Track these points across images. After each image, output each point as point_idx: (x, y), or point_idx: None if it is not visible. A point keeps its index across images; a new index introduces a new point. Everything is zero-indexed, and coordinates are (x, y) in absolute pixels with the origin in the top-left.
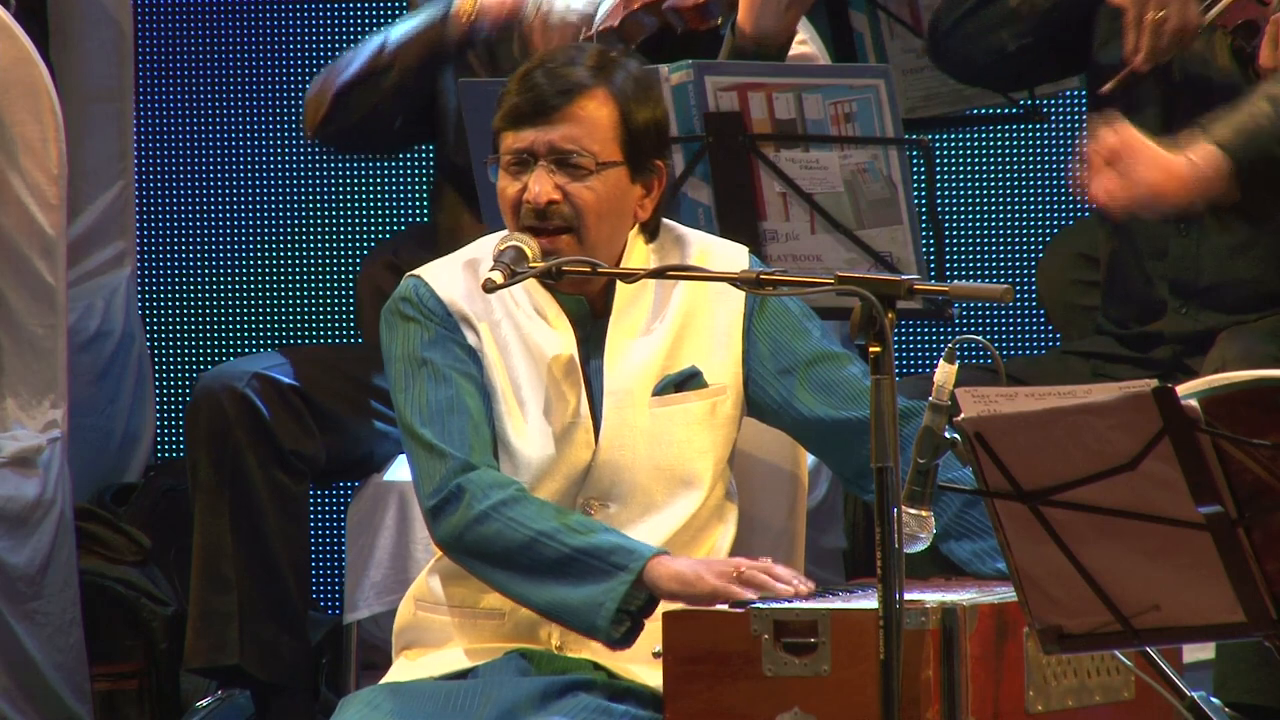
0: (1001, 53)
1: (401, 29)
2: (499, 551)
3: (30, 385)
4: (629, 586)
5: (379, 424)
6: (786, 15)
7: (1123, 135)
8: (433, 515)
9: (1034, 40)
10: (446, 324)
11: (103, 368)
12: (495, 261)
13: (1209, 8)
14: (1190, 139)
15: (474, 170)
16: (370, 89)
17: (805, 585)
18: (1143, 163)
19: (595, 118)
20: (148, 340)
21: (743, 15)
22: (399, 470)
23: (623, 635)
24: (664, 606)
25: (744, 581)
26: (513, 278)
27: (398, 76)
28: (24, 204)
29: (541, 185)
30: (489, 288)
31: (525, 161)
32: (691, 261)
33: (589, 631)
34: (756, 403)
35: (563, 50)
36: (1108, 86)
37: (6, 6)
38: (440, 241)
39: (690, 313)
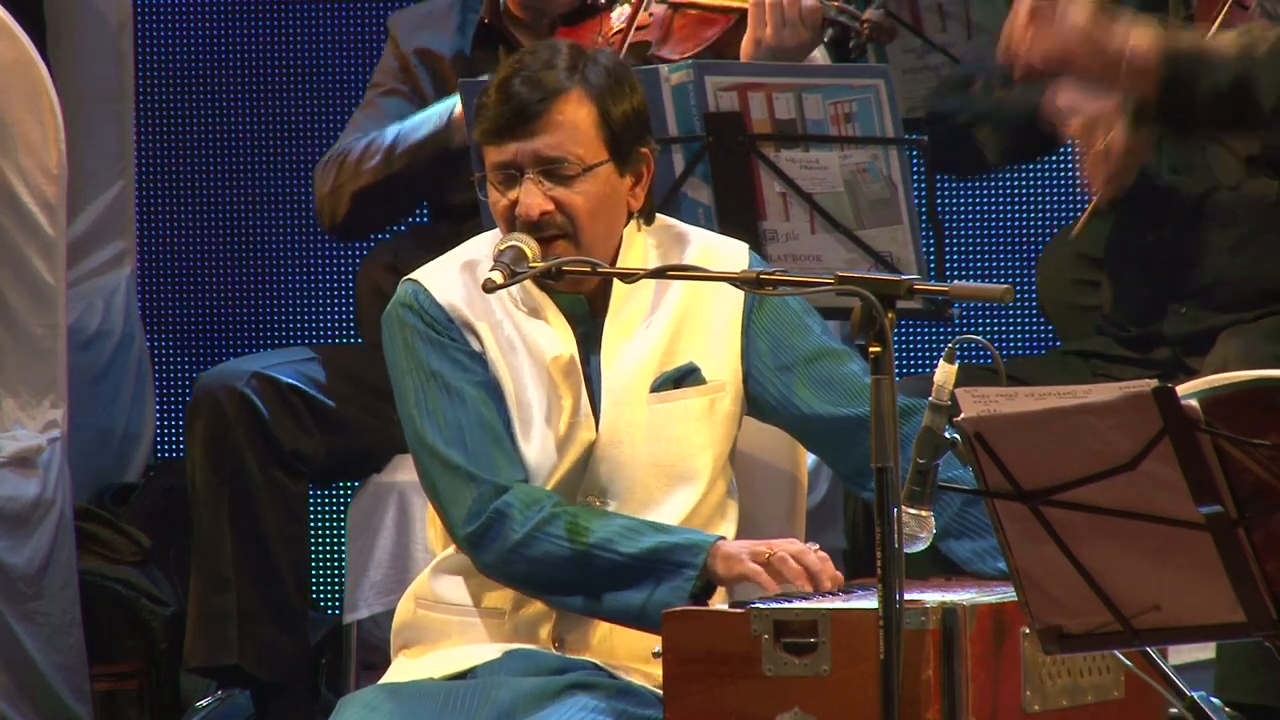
0: (987, 164)
1: (409, 132)
2: (552, 570)
3: (30, 385)
4: (692, 583)
5: (378, 424)
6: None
7: None
8: (472, 544)
9: (1012, 153)
10: (449, 331)
11: (103, 368)
12: (495, 261)
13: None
14: (1141, 28)
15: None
16: (389, 193)
17: (834, 580)
18: (1074, 15)
19: (575, 120)
20: (148, 340)
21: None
22: (399, 470)
23: None
24: None
25: (774, 563)
26: (513, 278)
27: (412, 181)
28: (24, 204)
29: (532, 198)
30: (489, 288)
31: (511, 175)
32: (691, 259)
33: (657, 630)
34: (756, 399)
35: (535, 54)
36: (1077, 228)
37: None
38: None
39: (688, 309)
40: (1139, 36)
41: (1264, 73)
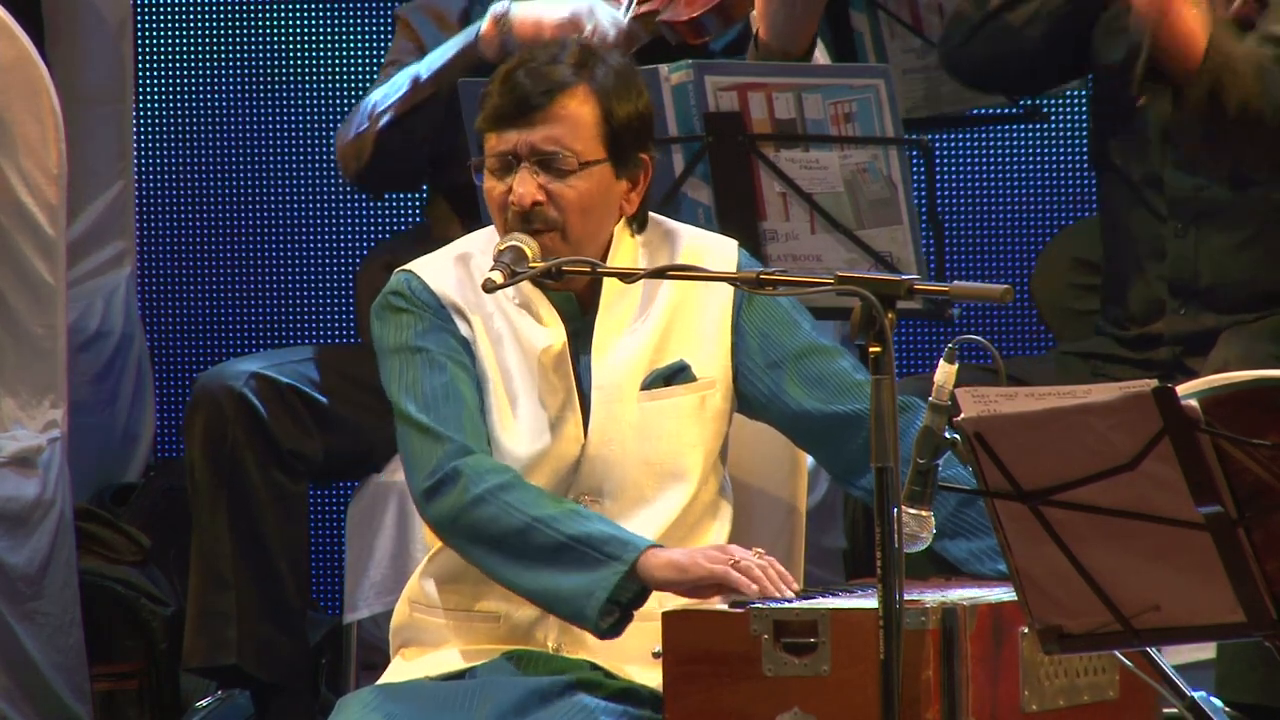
0: (1024, 54)
1: (433, 61)
2: (493, 535)
3: (30, 385)
4: (621, 577)
5: (378, 424)
6: (803, 19)
7: None
8: (426, 496)
9: (1055, 40)
10: (440, 315)
11: (103, 368)
12: (495, 261)
13: None
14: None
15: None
16: (418, 122)
17: (794, 586)
18: None
19: (577, 116)
20: (148, 340)
21: (762, 29)
22: (399, 470)
23: (611, 626)
24: (657, 603)
25: (741, 570)
26: (513, 277)
27: (442, 106)
28: (24, 204)
29: (525, 187)
30: (489, 288)
31: (509, 164)
32: (681, 257)
33: (578, 620)
34: (745, 396)
35: (544, 48)
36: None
37: None
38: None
39: (678, 306)
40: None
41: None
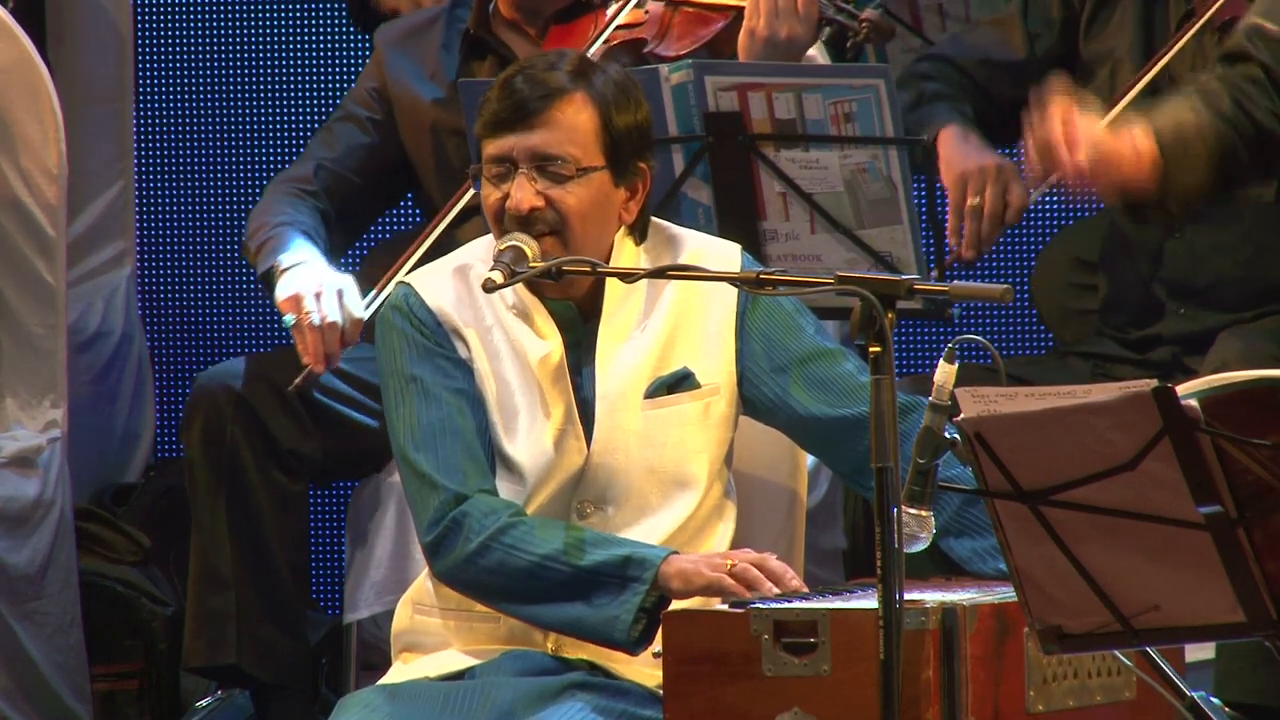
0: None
1: (262, 255)
2: (504, 580)
3: (30, 385)
4: (642, 596)
5: (377, 424)
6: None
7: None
8: (431, 551)
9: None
10: (436, 334)
11: (103, 367)
12: (495, 261)
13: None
14: (1137, 127)
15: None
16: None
17: (797, 583)
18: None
19: (575, 122)
20: (148, 340)
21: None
22: (398, 470)
23: (640, 635)
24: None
25: (736, 576)
26: (513, 278)
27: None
28: (24, 204)
29: (523, 193)
30: (489, 288)
31: (506, 169)
32: (684, 262)
33: (608, 644)
34: (751, 401)
35: (542, 56)
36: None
37: (4, 5)
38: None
39: (681, 313)
40: (1142, 139)
41: (1238, 129)
